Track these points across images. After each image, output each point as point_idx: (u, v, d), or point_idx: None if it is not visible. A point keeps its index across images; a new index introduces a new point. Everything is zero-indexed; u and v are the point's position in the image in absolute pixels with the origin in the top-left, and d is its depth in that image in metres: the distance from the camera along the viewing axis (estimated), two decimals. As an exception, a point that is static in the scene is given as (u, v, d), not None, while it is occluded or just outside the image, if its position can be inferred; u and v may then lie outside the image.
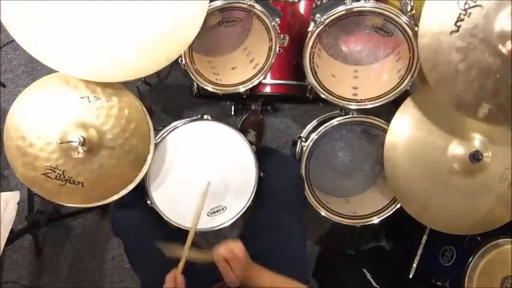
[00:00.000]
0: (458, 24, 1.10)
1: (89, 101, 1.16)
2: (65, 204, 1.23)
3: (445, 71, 1.15)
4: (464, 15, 1.09)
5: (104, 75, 1.12)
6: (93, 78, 1.13)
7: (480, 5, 1.08)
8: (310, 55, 1.33)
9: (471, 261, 1.43)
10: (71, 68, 1.11)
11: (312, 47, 1.31)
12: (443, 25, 1.11)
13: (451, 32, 1.11)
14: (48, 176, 1.16)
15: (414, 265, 1.61)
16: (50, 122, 1.15)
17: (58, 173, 1.16)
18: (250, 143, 1.35)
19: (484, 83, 1.15)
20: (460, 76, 1.15)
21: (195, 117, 1.37)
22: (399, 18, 1.25)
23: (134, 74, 1.14)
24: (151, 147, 1.23)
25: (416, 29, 1.23)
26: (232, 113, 1.83)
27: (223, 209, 1.34)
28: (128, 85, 1.20)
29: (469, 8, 1.09)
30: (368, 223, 1.53)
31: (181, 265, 1.10)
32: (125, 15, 1.10)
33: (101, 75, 1.12)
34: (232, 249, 1.09)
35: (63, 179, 1.17)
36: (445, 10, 1.10)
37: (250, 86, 1.44)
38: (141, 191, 1.30)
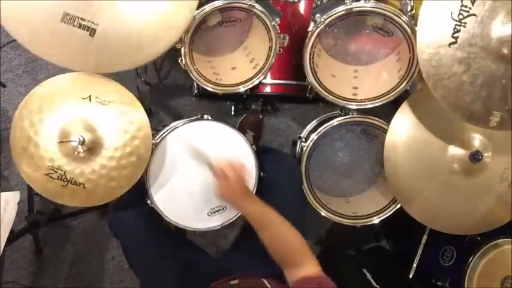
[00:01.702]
0: (456, 35, 1.10)
1: (91, 102, 1.17)
2: (67, 205, 1.23)
3: (450, 84, 1.15)
4: (460, 25, 1.09)
5: (102, 66, 1.14)
6: (93, 70, 1.14)
7: (474, 14, 1.08)
8: (310, 55, 1.33)
9: (471, 261, 1.43)
10: (71, 62, 1.12)
11: (312, 47, 1.31)
12: (441, 38, 1.11)
13: (450, 44, 1.11)
14: (50, 177, 1.16)
15: (414, 265, 1.61)
16: (53, 122, 1.16)
17: (60, 174, 1.17)
18: (249, 143, 1.35)
19: (491, 90, 1.15)
20: (466, 87, 1.15)
21: (195, 117, 1.37)
22: (399, 18, 1.25)
23: (134, 63, 1.16)
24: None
25: (416, 29, 1.23)
26: (232, 113, 1.83)
27: (223, 208, 1.34)
28: (128, 85, 1.21)
29: (464, 18, 1.09)
30: (368, 223, 1.53)
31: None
32: (120, 8, 1.11)
33: (100, 67, 1.14)
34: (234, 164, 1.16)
35: (65, 180, 1.17)
36: (440, 23, 1.10)
37: (250, 86, 1.44)
38: (140, 191, 1.30)
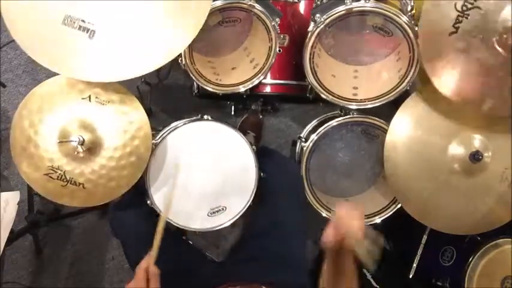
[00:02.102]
0: (457, 25, 1.12)
1: (90, 102, 1.17)
2: (67, 205, 1.23)
3: (448, 72, 1.17)
4: (462, 17, 1.11)
5: (101, 75, 1.13)
6: (89, 78, 1.13)
7: (478, 6, 1.10)
8: (310, 55, 1.33)
9: (471, 261, 1.43)
10: (68, 70, 1.11)
11: (312, 47, 1.31)
12: (442, 27, 1.13)
13: (450, 33, 1.13)
14: (50, 177, 1.17)
15: (414, 265, 1.61)
16: (53, 122, 1.16)
17: (60, 174, 1.17)
18: (249, 143, 1.36)
19: (487, 80, 1.18)
20: (463, 75, 1.18)
21: (195, 117, 1.37)
22: (399, 18, 1.25)
23: (133, 73, 1.14)
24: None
25: (416, 29, 1.23)
26: (232, 113, 1.83)
27: (223, 209, 1.34)
28: (128, 85, 1.21)
29: (467, 9, 1.10)
30: (368, 223, 1.53)
31: (153, 253, 1.06)
32: (125, 16, 1.10)
33: (98, 75, 1.13)
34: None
35: (65, 180, 1.18)
36: (443, 13, 1.12)
37: (250, 86, 1.44)
38: (140, 191, 1.30)
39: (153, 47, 1.12)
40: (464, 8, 1.10)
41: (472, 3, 1.10)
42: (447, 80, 1.21)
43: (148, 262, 1.04)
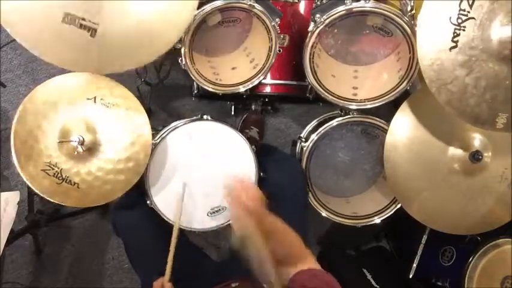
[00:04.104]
0: (456, 39, 1.10)
1: (95, 103, 1.17)
2: (59, 203, 1.23)
3: (454, 88, 1.14)
4: (459, 29, 1.09)
5: (104, 67, 1.14)
6: (94, 71, 1.15)
7: (473, 17, 1.08)
8: (310, 55, 1.33)
9: (471, 261, 1.43)
10: (72, 63, 1.13)
11: (312, 47, 1.31)
12: (441, 43, 1.11)
13: (451, 48, 1.11)
14: (46, 173, 1.16)
15: (414, 265, 1.61)
16: (55, 119, 1.16)
17: (56, 171, 1.17)
18: (253, 139, 1.35)
19: (496, 92, 1.14)
20: (470, 90, 1.14)
21: (195, 117, 1.37)
22: (399, 18, 1.25)
23: (135, 63, 1.17)
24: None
25: (416, 29, 1.23)
26: (232, 113, 1.83)
27: (223, 209, 1.34)
28: (128, 85, 1.21)
29: (463, 22, 1.09)
30: (368, 223, 1.53)
31: (168, 272, 1.10)
32: (121, 7, 1.11)
33: (101, 68, 1.14)
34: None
35: (60, 178, 1.17)
36: (439, 28, 1.10)
37: (250, 86, 1.44)
38: (143, 190, 1.30)
39: (151, 36, 1.14)
40: (459, 20, 1.08)
41: (465, 15, 1.08)
42: (457, 99, 1.16)
43: (164, 279, 1.08)
